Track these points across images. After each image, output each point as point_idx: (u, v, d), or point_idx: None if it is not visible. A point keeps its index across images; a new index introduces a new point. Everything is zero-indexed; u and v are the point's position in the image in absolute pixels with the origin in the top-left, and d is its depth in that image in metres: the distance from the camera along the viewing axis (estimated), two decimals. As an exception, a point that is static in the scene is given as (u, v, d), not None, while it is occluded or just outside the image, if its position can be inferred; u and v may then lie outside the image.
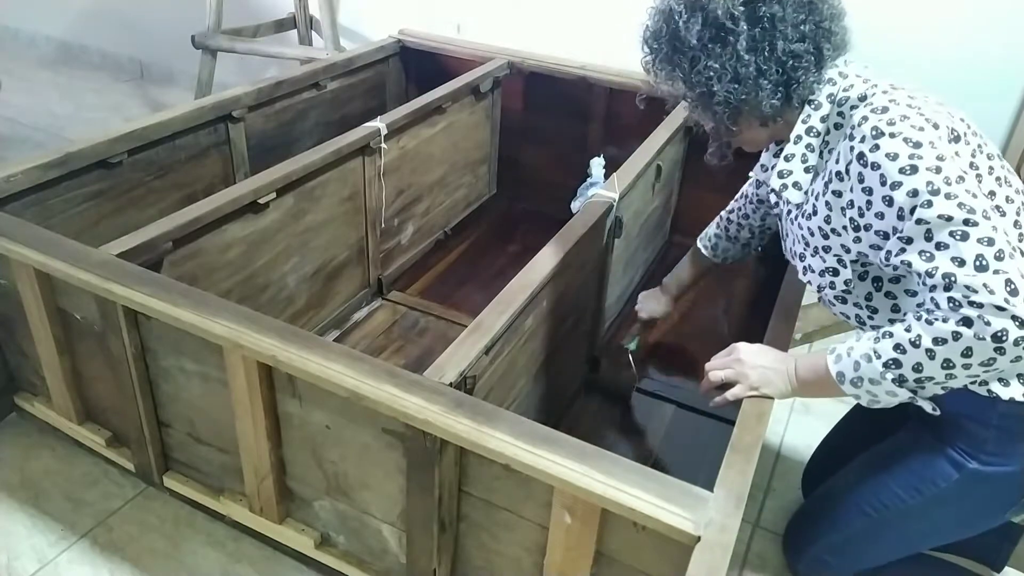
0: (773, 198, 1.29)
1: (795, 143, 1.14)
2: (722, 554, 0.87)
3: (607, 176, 1.92)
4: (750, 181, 1.51)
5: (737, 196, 1.57)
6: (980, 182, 1.04)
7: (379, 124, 1.93)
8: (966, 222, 0.93)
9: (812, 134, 1.13)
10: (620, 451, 1.01)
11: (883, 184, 0.99)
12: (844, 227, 1.08)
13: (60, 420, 1.57)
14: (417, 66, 2.66)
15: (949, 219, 0.94)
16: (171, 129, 1.82)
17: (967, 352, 0.93)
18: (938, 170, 0.95)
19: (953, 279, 0.93)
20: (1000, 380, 1.05)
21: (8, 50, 4.08)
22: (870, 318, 1.16)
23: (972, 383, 1.04)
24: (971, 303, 0.91)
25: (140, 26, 3.76)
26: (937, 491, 1.16)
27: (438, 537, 1.16)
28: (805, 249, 1.18)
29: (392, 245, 2.17)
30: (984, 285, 0.91)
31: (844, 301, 1.17)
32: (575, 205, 2.32)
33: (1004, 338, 0.91)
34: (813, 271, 1.17)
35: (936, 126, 1.01)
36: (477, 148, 2.52)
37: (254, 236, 1.66)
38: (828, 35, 1.10)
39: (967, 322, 0.92)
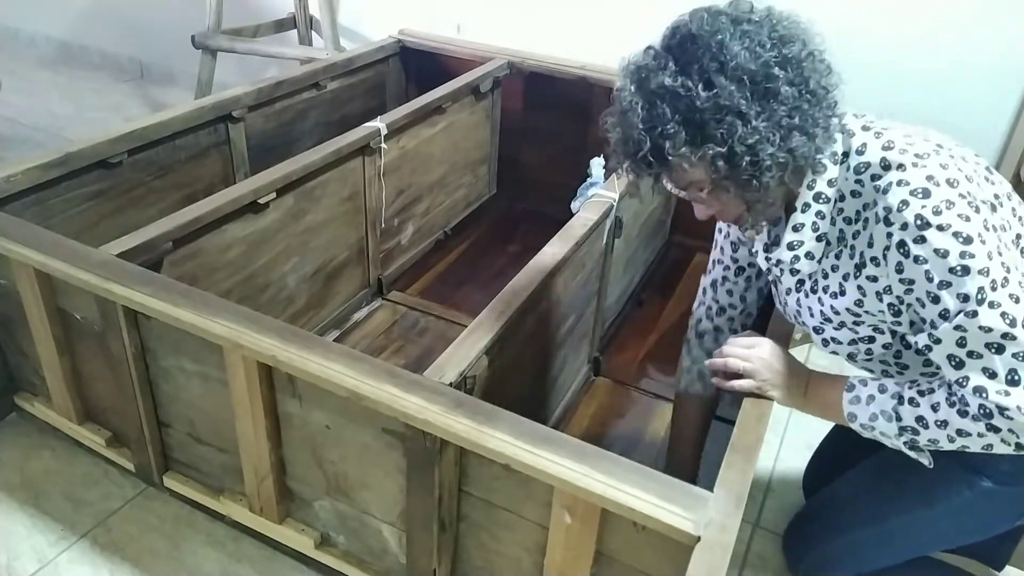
0: (774, 270, 1.16)
1: (803, 211, 1.03)
2: (722, 554, 0.87)
3: (607, 176, 1.92)
4: (715, 263, 1.33)
5: (697, 303, 1.38)
6: (1018, 245, 1.00)
7: (379, 124, 1.93)
8: (1005, 336, 0.90)
9: (821, 200, 1.02)
10: (620, 451, 1.01)
11: (929, 280, 0.92)
12: (881, 311, 1.02)
13: (60, 420, 1.57)
14: (417, 66, 2.66)
15: (989, 331, 0.90)
16: (171, 129, 1.82)
17: (987, 447, 0.97)
18: (987, 272, 0.90)
19: (984, 394, 0.92)
20: None
21: (8, 50, 4.08)
22: (899, 373, 1.13)
23: None
24: (1003, 414, 0.92)
25: (140, 26, 3.76)
26: (948, 505, 1.15)
27: (438, 537, 1.16)
28: (824, 323, 1.10)
29: (392, 245, 2.17)
30: (1018, 407, 0.91)
31: (869, 360, 1.13)
32: (575, 205, 2.32)
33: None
34: (839, 342, 1.11)
35: (978, 209, 0.93)
36: (477, 148, 2.52)
37: (254, 236, 1.66)
38: (830, 83, 0.96)
39: (995, 429, 0.94)
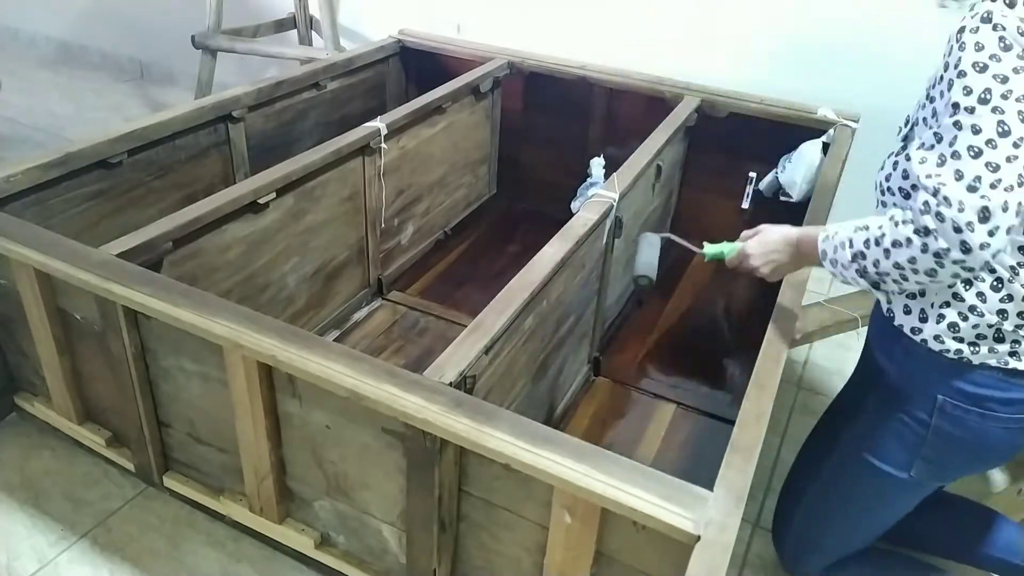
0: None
1: None
2: (722, 554, 0.87)
3: (607, 176, 1.92)
4: None
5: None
6: None
7: (379, 124, 1.93)
8: (989, 142, 0.91)
9: None
10: (620, 451, 1.01)
11: (955, 67, 0.95)
12: (929, 99, 1.07)
13: (60, 420, 1.57)
14: (417, 66, 2.66)
15: (978, 131, 0.91)
16: (171, 129, 1.82)
17: (912, 261, 0.97)
18: (1004, 80, 0.91)
19: (939, 189, 0.93)
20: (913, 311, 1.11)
21: (8, 50, 4.08)
22: (886, 179, 1.17)
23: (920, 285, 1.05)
24: (938, 215, 0.93)
25: (140, 26, 3.76)
26: (892, 483, 1.20)
27: (438, 537, 1.16)
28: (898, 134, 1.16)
29: (392, 245, 2.17)
30: (960, 202, 0.91)
31: (882, 167, 1.16)
32: (575, 205, 2.32)
33: (943, 256, 0.94)
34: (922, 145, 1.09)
35: None
36: (477, 148, 2.52)
37: (254, 236, 1.66)
38: None
39: (923, 231, 0.95)
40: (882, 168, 1.17)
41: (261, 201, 1.62)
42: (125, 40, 3.85)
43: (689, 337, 2.09)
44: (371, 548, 1.30)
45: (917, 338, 1.10)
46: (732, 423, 1.10)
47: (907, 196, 1.12)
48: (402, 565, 1.26)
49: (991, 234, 0.91)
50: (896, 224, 0.98)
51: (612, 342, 2.04)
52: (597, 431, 1.75)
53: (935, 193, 0.93)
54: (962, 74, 0.94)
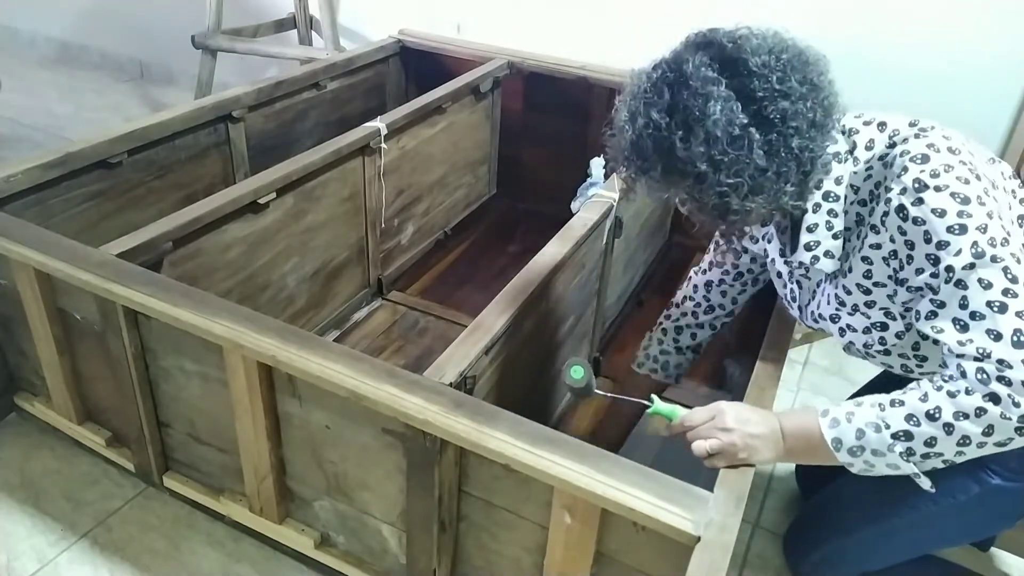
0: (796, 274, 1.20)
1: (814, 212, 1.06)
2: (722, 554, 0.87)
3: (607, 176, 1.92)
4: (713, 265, 1.39)
5: (683, 296, 1.44)
6: (1021, 226, 1.00)
7: (379, 124, 1.93)
8: (1006, 292, 0.89)
9: (831, 199, 1.05)
10: (620, 451, 1.01)
11: (927, 242, 0.93)
12: (888, 276, 1.02)
13: (60, 420, 1.57)
14: (417, 66, 2.66)
15: (989, 286, 0.90)
16: (171, 129, 1.82)
17: (988, 431, 0.89)
18: (985, 229, 0.91)
19: (987, 351, 0.88)
20: None
21: (8, 50, 4.08)
22: (919, 367, 1.11)
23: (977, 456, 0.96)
24: (1001, 379, 0.87)
25: (140, 26, 3.76)
26: (954, 503, 1.13)
27: (438, 537, 1.16)
28: (839, 309, 1.11)
29: (392, 245, 2.17)
30: (1022, 362, 0.87)
31: (888, 353, 1.11)
32: (575, 205, 2.32)
33: None
34: (854, 330, 1.10)
35: (979, 177, 0.95)
36: (477, 148, 2.52)
37: (254, 236, 1.66)
38: (831, 108, 1.00)
39: (994, 399, 0.88)
40: (870, 357, 1.13)
41: (261, 201, 1.62)
42: (125, 40, 3.85)
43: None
44: (371, 548, 1.30)
45: None
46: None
47: (923, 359, 1.08)
48: (402, 565, 1.26)
49: None
50: (952, 395, 0.91)
51: (612, 342, 2.04)
52: (597, 431, 1.75)
53: (985, 358, 0.89)
54: (942, 245, 0.92)
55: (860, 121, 1.06)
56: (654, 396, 1.17)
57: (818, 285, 1.16)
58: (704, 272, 1.41)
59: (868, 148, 1.04)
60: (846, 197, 1.05)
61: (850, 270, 1.07)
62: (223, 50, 2.95)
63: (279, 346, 1.14)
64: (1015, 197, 1.03)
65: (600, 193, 1.68)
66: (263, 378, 1.20)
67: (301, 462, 1.29)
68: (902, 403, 0.95)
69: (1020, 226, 1.00)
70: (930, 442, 0.92)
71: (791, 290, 1.24)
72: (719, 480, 0.99)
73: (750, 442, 1.02)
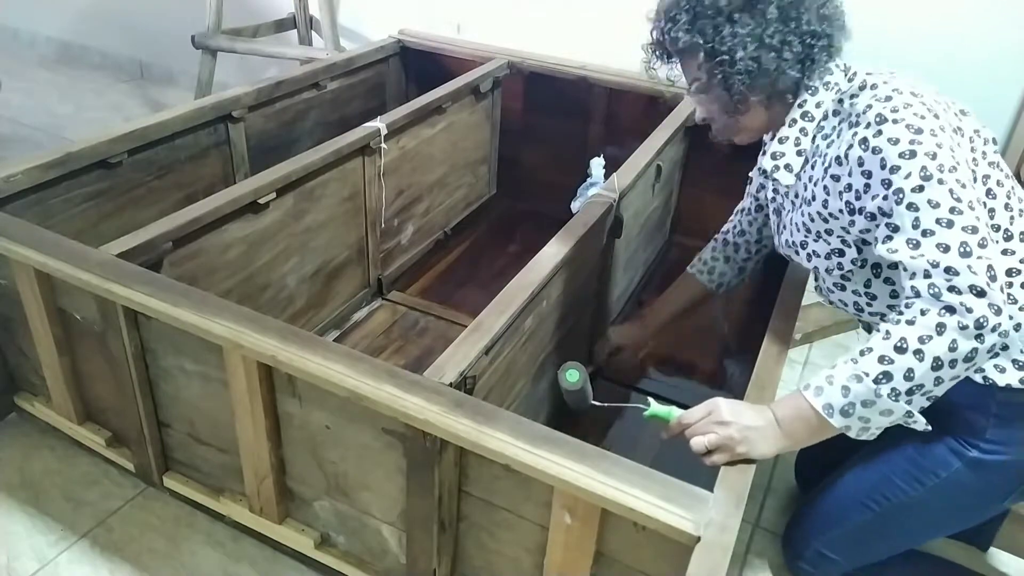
0: (770, 187, 1.31)
1: (790, 126, 1.17)
2: (722, 554, 0.87)
3: (607, 176, 1.92)
4: (747, 194, 1.53)
5: (732, 215, 1.58)
6: (976, 166, 1.07)
7: (379, 124, 1.93)
8: (952, 210, 0.95)
9: (807, 118, 1.16)
10: (620, 451, 1.01)
11: (883, 168, 1.01)
12: (840, 210, 1.09)
13: (60, 420, 1.57)
14: (417, 66, 2.66)
15: (937, 205, 0.96)
16: (171, 129, 1.82)
17: (952, 346, 0.93)
18: (934, 156, 0.98)
19: (936, 263, 0.94)
20: (996, 367, 1.07)
21: (8, 50, 4.08)
22: (868, 304, 1.18)
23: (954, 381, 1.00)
24: (952, 288, 0.93)
25: (140, 26, 3.76)
26: (938, 481, 1.16)
27: (438, 537, 1.16)
28: (807, 236, 1.19)
29: (392, 245, 2.17)
30: (968, 267, 0.92)
31: (843, 288, 1.19)
32: (575, 205, 2.32)
33: (984, 324, 0.92)
34: (819, 255, 1.19)
35: (937, 116, 1.03)
36: (477, 148, 2.52)
37: (254, 236, 1.66)
38: (842, 26, 1.14)
39: (949, 310, 0.93)
40: (829, 292, 1.23)
41: (261, 201, 1.62)
42: (125, 40, 3.85)
43: (689, 337, 2.09)
44: (371, 548, 1.30)
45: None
46: (732, 423, 1.10)
47: (872, 297, 1.16)
48: (402, 565, 1.26)
49: (1002, 290, 0.93)
50: (911, 322, 0.95)
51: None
52: (597, 431, 1.75)
53: (934, 266, 0.94)
54: (894, 169, 1.00)
55: (864, 70, 1.16)
56: (650, 399, 1.17)
57: (787, 214, 1.26)
58: (741, 204, 1.56)
59: (849, 81, 1.14)
60: (818, 122, 1.15)
61: (813, 198, 1.15)
62: (223, 50, 2.95)
63: (279, 346, 1.14)
64: (983, 156, 1.10)
65: (600, 193, 1.68)
66: (263, 378, 1.20)
67: (301, 462, 1.29)
68: (871, 349, 0.98)
69: (975, 179, 1.07)
70: (908, 375, 0.95)
71: (774, 219, 1.34)
72: (719, 480, 0.99)
73: (747, 434, 1.03)
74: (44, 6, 3.99)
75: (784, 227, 1.27)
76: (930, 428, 1.02)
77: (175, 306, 1.20)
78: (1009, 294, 1.04)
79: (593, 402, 1.19)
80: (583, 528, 1.01)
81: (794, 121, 1.17)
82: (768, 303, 1.40)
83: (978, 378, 1.07)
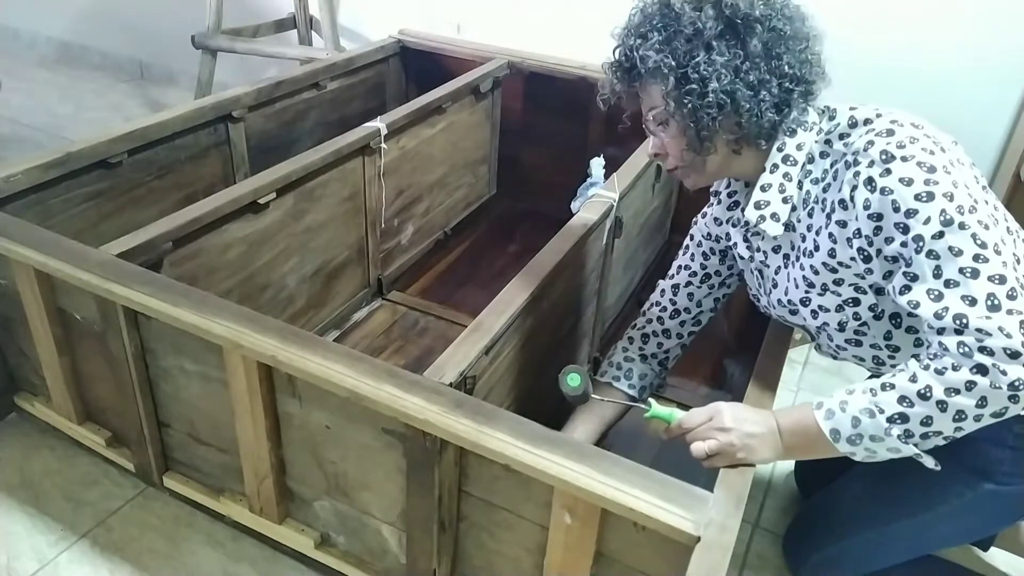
0: (749, 244, 1.20)
1: (771, 172, 1.08)
2: (722, 554, 0.87)
3: (607, 176, 1.92)
4: (681, 268, 1.37)
5: (655, 299, 1.40)
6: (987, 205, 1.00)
7: (379, 124, 1.93)
8: (976, 258, 0.89)
9: (789, 162, 1.07)
10: (620, 451, 1.01)
11: (896, 211, 0.93)
12: (852, 258, 1.01)
13: (60, 420, 1.57)
14: (417, 66, 2.66)
15: (960, 253, 0.90)
16: (171, 129, 1.82)
17: (981, 403, 0.88)
18: (951, 197, 0.91)
19: (965, 321, 0.88)
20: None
21: (8, 50, 4.08)
22: (891, 358, 1.11)
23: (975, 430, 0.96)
24: (983, 349, 0.87)
25: (140, 26, 3.76)
26: (949, 508, 1.14)
27: (438, 537, 1.16)
28: (809, 291, 1.10)
29: (392, 245, 2.17)
30: (999, 329, 0.86)
31: (859, 344, 1.11)
32: (575, 205, 2.32)
33: (1020, 387, 0.86)
34: (827, 310, 1.09)
35: (944, 150, 0.97)
36: (477, 148, 2.52)
37: (254, 236, 1.66)
38: (821, 73, 1.05)
39: (982, 370, 0.87)
40: (839, 349, 1.14)
41: (261, 201, 1.62)
42: (125, 40, 3.85)
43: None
44: (371, 548, 1.30)
45: None
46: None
47: (895, 349, 1.09)
48: (402, 565, 1.26)
49: None
50: (940, 373, 0.90)
51: (612, 342, 2.03)
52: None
53: (963, 329, 0.88)
54: (910, 213, 0.92)
55: (846, 107, 1.08)
56: (651, 400, 1.17)
57: (776, 272, 1.17)
58: (671, 277, 1.39)
59: (831, 119, 1.06)
60: (803, 166, 1.07)
61: (816, 248, 1.06)
62: (223, 50, 2.95)
63: (279, 346, 1.14)
64: (984, 190, 1.04)
65: (600, 193, 1.68)
66: (263, 378, 1.20)
67: (301, 462, 1.29)
68: (892, 386, 0.94)
69: (987, 202, 1.00)
70: (926, 421, 0.92)
71: (756, 279, 1.24)
72: (719, 480, 0.99)
73: (748, 441, 1.02)
74: (44, 6, 3.99)
75: (775, 285, 1.18)
76: (939, 468, 0.98)
77: (175, 306, 1.20)
78: None
79: (594, 396, 1.19)
80: (583, 528, 1.01)
81: (776, 166, 1.07)
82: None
83: None
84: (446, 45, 2.59)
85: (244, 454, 1.32)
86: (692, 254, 1.36)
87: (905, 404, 0.92)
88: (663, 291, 1.40)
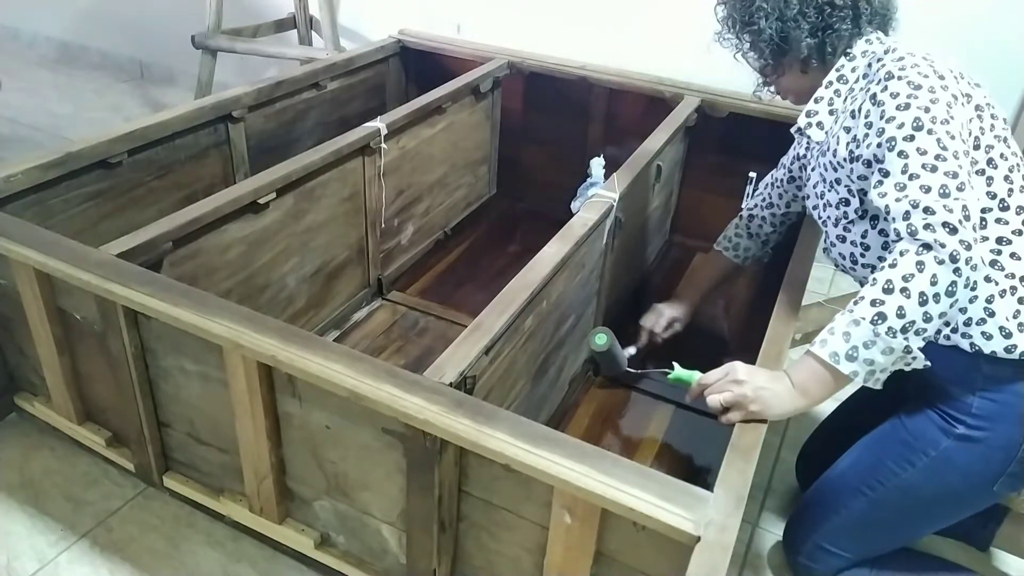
0: (803, 144, 1.45)
1: (825, 87, 1.26)
2: (722, 554, 0.87)
3: (607, 176, 1.92)
4: (780, 165, 1.61)
5: (760, 187, 1.68)
6: (981, 134, 1.12)
7: (379, 124, 1.93)
8: (938, 156, 1.02)
9: (842, 81, 1.24)
10: (620, 451, 1.01)
11: (880, 118, 1.09)
12: (844, 158, 1.18)
13: (60, 420, 1.57)
14: (417, 66, 2.66)
15: (924, 152, 1.03)
16: (171, 129, 1.82)
17: (934, 280, 0.98)
18: (927, 109, 1.05)
19: (916, 202, 1.00)
20: (983, 334, 1.10)
21: (8, 50, 4.08)
22: (862, 256, 1.23)
23: (949, 329, 1.11)
24: (927, 226, 0.99)
25: (140, 26, 3.76)
26: (928, 460, 1.19)
27: (438, 537, 1.16)
28: (823, 186, 1.27)
29: (392, 245, 2.17)
30: (944, 207, 0.99)
31: (844, 240, 1.24)
32: (575, 205, 2.32)
33: (957, 258, 0.97)
34: (831, 205, 1.25)
35: (942, 77, 1.10)
36: (477, 148, 2.52)
37: (254, 236, 1.66)
38: (866, 4, 1.23)
39: (926, 247, 0.99)
40: (832, 246, 1.28)
41: (261, 201, 1.62)
42: (125, 40, 3.85)
43: (689, 337, 2.09)
44: (371, 548, 1.30)
45: (1006, 354, 1.09)
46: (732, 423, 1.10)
47: (866, 247, 1.21)
48: (402, 565, 1.26)
49: (975, 229, 1.00)
50: (894, 265, 1.01)
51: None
52: (597, 431, 1.75)
53: (914, 206, 1.01)
54: (890, 119, 1.08)
55: (899, 44, 1.22)
56: (674, 363, 1.28)
57: (812, 169, 1.35)
58: (771, 175, 1.65)
59: (886, 52, 1.19)
60: (850, 85, 1.23)
61: (827, 148, 1.24)
62: (223, 50, 2.95)
63: (279, 346, 1.14)
64: (991, 128, 1.14)
65: (600, 193, 1.68)
66: (263, 378, 1.20)
67: (301, 462, 1.29)
68: (862, 297, 1.03)
69: (982, 131, 1.13)
70: (900, 312, 1.00)
71: (805, 173, 1.42)
72: (719, 480, 0.99)
73: (761, 394, 1.10)
74: (44, 6, 3.99)
75: (809, 178, 1.36)
76: (930, 364, 1.05)
77: (175, 306, 1.20)
78: (996, 261, 1.11)
79: (623, 363, 1.30)
80: (583, 528, 1.01)
81: (830, 83, 1.25)
82: (768, 303, 1.40)
83: (965, 344, 1.11)
84: (446, 45, 2.59)
85: (244, 454, 1.32)
86: (791, 156, 1.58)
87: (878, 304, 1.02)
88: (765, 184, 1.67)
